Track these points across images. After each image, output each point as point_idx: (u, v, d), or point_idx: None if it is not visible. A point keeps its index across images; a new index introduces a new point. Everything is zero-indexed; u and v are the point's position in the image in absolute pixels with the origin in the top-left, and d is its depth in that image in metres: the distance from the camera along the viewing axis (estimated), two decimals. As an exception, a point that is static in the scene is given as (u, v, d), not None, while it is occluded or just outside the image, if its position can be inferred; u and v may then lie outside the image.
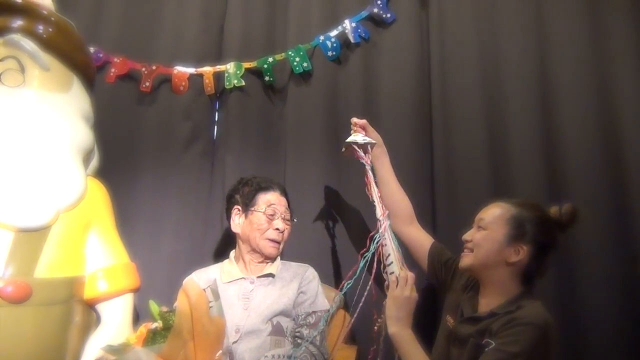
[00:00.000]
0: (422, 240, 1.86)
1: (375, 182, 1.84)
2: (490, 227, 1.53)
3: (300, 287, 1.86)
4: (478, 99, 2.23)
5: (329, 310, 1.85)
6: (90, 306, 1.78)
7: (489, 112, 2.21)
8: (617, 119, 2.07)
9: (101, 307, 1.79)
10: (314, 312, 1.82)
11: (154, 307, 1.57)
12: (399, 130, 2.23)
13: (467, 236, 1.59)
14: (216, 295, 1.79)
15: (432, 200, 2.21)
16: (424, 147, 2.27)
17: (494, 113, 2.20)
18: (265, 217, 1.88)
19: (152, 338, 1.51)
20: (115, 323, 1.75)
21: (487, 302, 1.53)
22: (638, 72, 2.08)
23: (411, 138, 2.25)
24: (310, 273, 1.92)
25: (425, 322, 2.06)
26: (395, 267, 1.66)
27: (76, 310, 1.71)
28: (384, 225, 1.74)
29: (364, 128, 1.87)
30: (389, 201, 1.86)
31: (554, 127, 2.13)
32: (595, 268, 1.99)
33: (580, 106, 2.11)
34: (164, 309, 1.56)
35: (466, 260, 1.56)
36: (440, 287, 1.81)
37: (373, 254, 1.72)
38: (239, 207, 1.94)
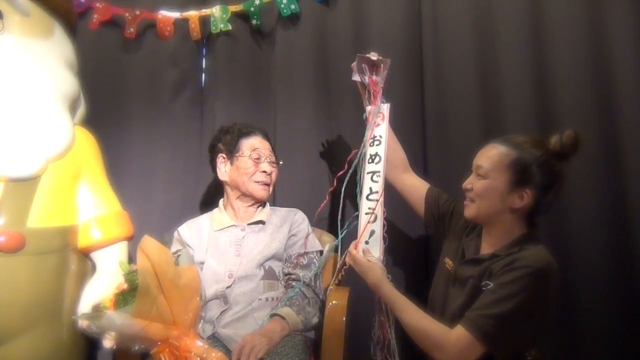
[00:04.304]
0: (418, 186, 1.83)
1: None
2: (490, 175, 1.46)
3: (290, 230, 1.89)
4: (469, 40, 2.19)
5: (321, 252, 1.88)
6: (85, 255, 1.80)
7: (481, 51, 2.17)
8: (609, 53, 2.04)
9: (96, 256, 1.80)
10: (305, 253, 1.86)
11: (124, 266, 1.57)
12: (389, 72, 2.19)
13: (467, 184, 1.53)
14: (182, 244, 1.80)
15: (424, 141, 2.21)
16: (415, 87, 2.24)
17: (486, 53, 2.17)
18: (252, 160, 1.89)
19: (122, 300, 1.49)
20: (111, 271, 1.76)
21: (490, 244, 1.52)
22: (630, 8, 2.04)
23: (402, 79, 2.21)
24: (299, 216, 1.95)
25: (419, 266, 2.13)
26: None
27: (71, 259, 1.73)
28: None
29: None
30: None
31: (545, 64, 2.10)
32: (585, 206, 2.01)
33: (571, 41, 2.08)
34: (134, 267, 1.53)
35: (470, 210, 1.52)
36: (438, 232, 1.79)
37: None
38: (224, 155, 1.94)
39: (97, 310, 1.53)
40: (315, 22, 2.34)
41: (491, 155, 1.48)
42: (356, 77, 1.79)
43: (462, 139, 2.10)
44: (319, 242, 1.93)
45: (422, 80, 2.24)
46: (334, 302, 1.68)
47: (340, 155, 2.19)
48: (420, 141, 2.21)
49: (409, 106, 2.22)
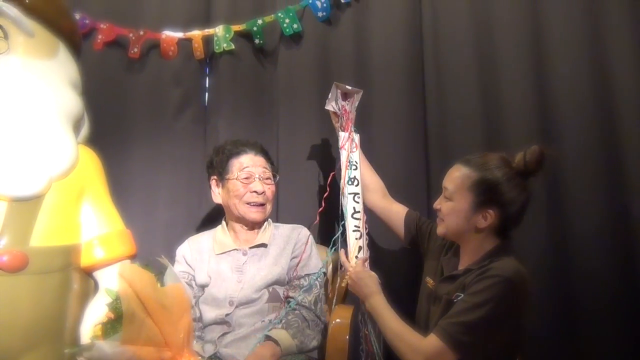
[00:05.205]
0: (397, 210, 1.88)
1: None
2: (454, 197, 1.50)
3: (293, 251, 1.85)
4: (470, 56, 2.22)
5: (324, 274, 1.86)
6: (87, 274, 1.79)
7: (481, 69, 2.20)
8: (609, 65, 2.07)
9: (98, 275, 1.79)
10: (306, 275, 1.82)
11: (111, 294, 1.52)
12: (391, 90, 2.22)
13: (436, 205, 1.58)
14: (166, 263, 1.77)
15: (426, 158, 2.22)
16: (417, 105, 2.26)
17: (486, 70, 2.19)
18: (240, 182, 1.83)
19: (111, 329, 1.46)
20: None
21: (465, 261, 1.55)
22: (630, 22, 2.07)
23: (404, 97, 2.24)
24: (303, 235, 1.90)
25: (405, 284, 2.12)
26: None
27: (74, 278, 1.72)
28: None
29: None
30: (362, 179, 1.88)
31: (546, 81, 2.13)
32: (586, 218, 2.02)
33: (571, 59, 2.11)
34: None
35: (440, 229, 1.57)
36: (419, 252, 1.83)
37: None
38: (216, 177, 1.92)
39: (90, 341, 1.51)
40: (318, 40, 2.36)
41: (454, 178, 1.51)
42: (329, 107, 1.89)
43: (464, 152, 2.09)
44: (321, 263, 1.88)
45: (424, 95, 2.26)
46: (337, 320, 1.67)
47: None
48: (423, 156, 2.23)
49: (411, 121, 2.24)
